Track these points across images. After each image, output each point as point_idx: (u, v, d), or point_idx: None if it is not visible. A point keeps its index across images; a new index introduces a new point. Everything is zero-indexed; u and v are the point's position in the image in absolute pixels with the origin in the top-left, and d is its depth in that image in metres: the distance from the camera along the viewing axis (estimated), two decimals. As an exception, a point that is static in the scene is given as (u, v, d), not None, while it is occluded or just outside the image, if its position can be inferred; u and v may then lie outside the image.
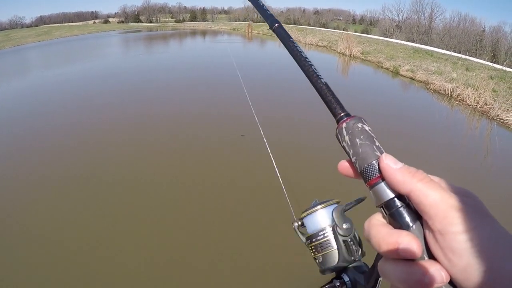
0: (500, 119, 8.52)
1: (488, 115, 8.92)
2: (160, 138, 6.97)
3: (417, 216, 0.44)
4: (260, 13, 0.79)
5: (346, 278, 0.64)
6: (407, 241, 0.42)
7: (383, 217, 0.48)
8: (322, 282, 0.68)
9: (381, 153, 0.49)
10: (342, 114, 0.55)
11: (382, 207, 0.48)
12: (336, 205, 0.66)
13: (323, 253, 0.64)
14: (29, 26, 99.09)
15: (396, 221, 0.46)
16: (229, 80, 11.24)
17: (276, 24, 0.72)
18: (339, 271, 0.65)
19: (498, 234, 0.38)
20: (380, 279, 0.57)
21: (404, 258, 0.42)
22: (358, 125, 0.51)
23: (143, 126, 7.66)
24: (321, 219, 0.66)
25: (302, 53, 0.63)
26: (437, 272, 0.40)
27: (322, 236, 0.65)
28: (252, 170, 5.54)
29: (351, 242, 0.63)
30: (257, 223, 4.29)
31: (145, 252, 3.80)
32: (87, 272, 3.52)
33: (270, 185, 4.67)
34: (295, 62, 0.64)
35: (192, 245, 3.92)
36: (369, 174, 0.48)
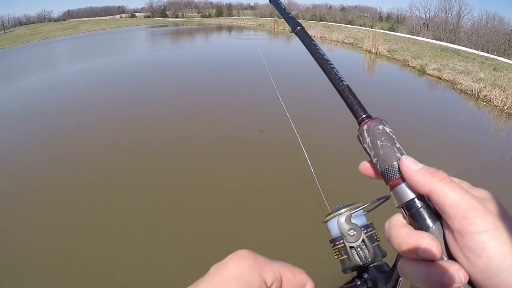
0: (528, 120, 8.41)
1: (516, 116, 8.81)
2: (181, 133, 7.17)
3: (437, 216, 0.46)
4: (282, 16, 0.81)
5: (367, 277, 0.64)
6: (427, 242, 0.43)
7: (404, 217, 0.50)
8: (345, 280, 0.68)
9: (402, 154, 0.50)
10: (364, 116, 0.56)
11: (402, 207, 0.49)
12: (359, 209, 0.66)
13: (342, 258, 0.64)
14: (57, 20, 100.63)
15: (416, 222, 0.47)
16: (259, 77, 11.31)
17: (298, 27, 0.74)
18: (360, 270, 0.65)
19: None
20: (400, 279, 0.56)
21: (424, 259, 0.43)
22: (379, 127, 0.53)
23: (175, 121, 7.88)
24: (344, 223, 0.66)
25: (324, 56, 0.65)
26: (456, 272, 0.40)
27: (342, 241, 0.64)
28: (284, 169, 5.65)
29: (359, 248, 0.63)
30: (288, 219, 4.39)
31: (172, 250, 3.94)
32: (90, 270, 3.62)
33: (302, 182, 4.75)
34: (317, 65, 0.66)
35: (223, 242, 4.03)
36: (389, 175, 0.50)
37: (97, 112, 8.61)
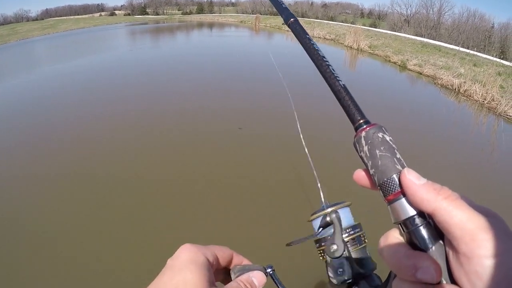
0: (507, 115, 8.48)
1: (495, 111, 8.89)
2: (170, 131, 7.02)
3: (438, 235, 0.42)
4: (274, 7, 0.74)
5: None
6: (427, 265, 0.39)
7: (401, 234, 0.46)
8: None
9: (402, 166, 0.45)
10: (362, 121, 0.50)
11: (400, 224, 0.45)
12: (347, 208, 0.65)
13: (332, 259, 0.62)
14: (35, 19, 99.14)
15: (415, 241, 0.43)
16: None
17: (292, 19, 0.66)
18: (350, 283, 0.62)
19: None
20: None
21: (422, 282, 0.39)
22: (378, 134, 0.48)
23: (161, 120, 7.72)
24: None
25: (319, 52, 0.59)
26: None
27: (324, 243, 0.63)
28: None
29: (340, 266, 0.62)
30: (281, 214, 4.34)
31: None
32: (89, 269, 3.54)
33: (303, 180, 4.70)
34: (311, 61, 0.60)
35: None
36: (388, 189, 0.45)
37: (81, 112, 8.41)
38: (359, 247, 0.62)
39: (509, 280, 0.34)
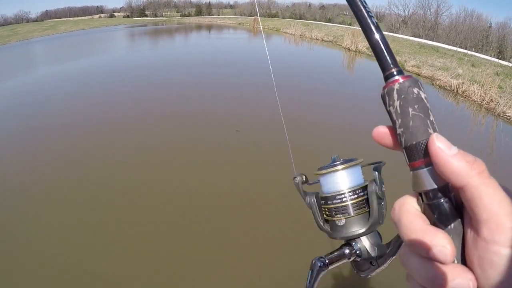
0: (506, 115, 8.47)
1: (494, 111, 8.87)
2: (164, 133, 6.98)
3: (458, 213, 0.40)
4: None
5: (356, 247, 0.59)
6: (442, 244, 0.37)
7: (418, 203, 0.43)
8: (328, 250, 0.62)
9: (434, 130, 0.41)
10: (394, 70, 0.45)
11: (420, 194, 0.42)
12: (358, 166, 0.61)
13: (336, 219, 0.59)
14: (35, 20, 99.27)
15: (433, 214, 0.41)
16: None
17: None
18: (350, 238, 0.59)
19: None
20: (393, 257, 0.53)
21: (434, 260, 0.37)
22: (414, 90, 0.43)
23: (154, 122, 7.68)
24: (341, 180, 0.59)
25: None
26: (466, 282, 0.35)
27: (339, 201, 0.58)
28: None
29: (383, 205, 0.58)
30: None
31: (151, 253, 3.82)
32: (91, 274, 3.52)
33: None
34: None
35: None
36: (415, 154, 0.41)
37: (83, 113, 8.37)
38: (367, 210, 0.58)
39: None
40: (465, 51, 19.76)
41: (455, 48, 19.98)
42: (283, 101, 8.62)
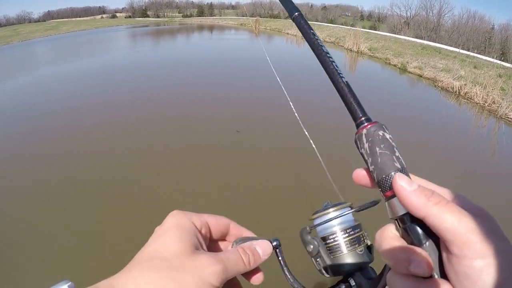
0: (508, 118, 8.45)
1: (496, 113, 8.85)
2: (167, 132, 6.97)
3: (432, 232, 0.42)
4: (279, 0, 0.74)
5: (352, 283, 0.61)
6: (419, 259, 0.41)
7: (396, 229, 0.47)
8: (328, 285, 0.66)
9: (401, 164, 0.46)
10: (363, 118, 0.52)
11: (396, 220, 0.46)
12: (349, 209, 0.64)
13: (331, 258, 0.61)
14: (37, 21, 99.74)
15: (409, 236, 0.45)
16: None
17: (296, 13, 0.67)
18: (346, 275, 0.62)
19: None
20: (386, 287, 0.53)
21: (414, 275, 0.41)
22: (379, 132, 0.49)
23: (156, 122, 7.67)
24: (332, 222, 0.63)
25: (323, 48, 0.59)
26: None
27: (332, 240, 0.62)
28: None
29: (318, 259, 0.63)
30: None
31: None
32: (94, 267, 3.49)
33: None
34: (315, 56, 0.61)
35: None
36: (386, 186, 0.46)
37: (85, 115, 8.38)
38: (359, 247, 0.61)
39: (495, 281, 0.36)
40: (468, 52, 19.75)
41: (457, 50, 20.02)
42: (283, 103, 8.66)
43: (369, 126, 0.50)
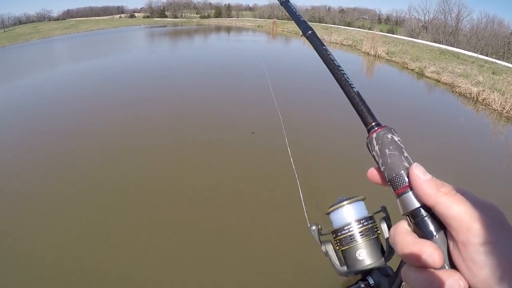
0: (526, 125, 8.38)
1: (514, 120, 8.77)
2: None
3: (441, 225, 0.46)
4: (293, 19, 0.80)
5: (371, 281, 0.66)
6: (430, 250, 0.43)
7: (408, 224, 0.50)
8: (347, 284, 0.71)
9: (409, 163, 0.50)
10: (373, 123, 0.56)
11: (408, 215, 0.49)
12: (362, 202, 0.71)
13: (346, 247, 0.67)
14: (57, 19, 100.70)
15: (420, 230, 0.47)
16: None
17: (310, 31, 0.73)
18: (365, 273, 0.66)
19: None
20: (403, 283, 0.58)
21: (426, 267, 0.44)
22: (388, 135, 0.53)
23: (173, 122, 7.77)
24: (347, 214, 0.69)
25: (335, 61, 0.65)
26: (456, 282, 0.41)
27: (347, 231, 0.67)
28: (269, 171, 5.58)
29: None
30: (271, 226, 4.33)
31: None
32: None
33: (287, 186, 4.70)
34: (328, 70, 0.66)
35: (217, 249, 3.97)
36: (397, 184, 0.50)
37: (95, 113, 8.50)
38: (372, 237, 0.67)
39: (501, 264, 0.38)
40: (486, 57, 19.60)
41: (475, 55, 19.85)
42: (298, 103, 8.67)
43: (378, 130, 0.54)
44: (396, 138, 0.53)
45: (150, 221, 4.32)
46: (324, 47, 0.67)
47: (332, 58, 0.65)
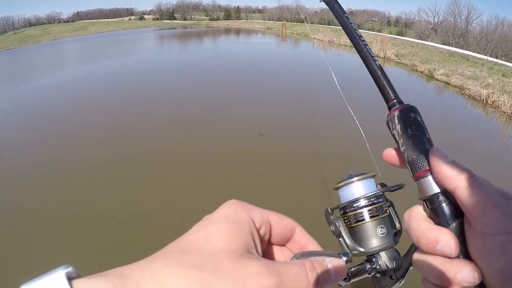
0: (536, 127, 8.37)
1: (524, 123, 8.76)
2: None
3: (459, 214, 0.44)
4: None
5: (377, 263, 0.61)
6: (447, 239, 0.42)
7: (424, 210, 0.48)
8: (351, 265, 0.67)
9: (431, 146, 0.49)
10: (395, 100, 0.54)
11: (425, 200, 0.48)
12: (372, 179, 0.65)
13: (353, 225, 0.62)
14: (66, 21, 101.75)
15: (437, 216, 0.46)
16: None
17: None
18: (371, 254, 0.62)
19: None
20: (410, 268, 0.55)
21: (441, 255, 0.43)
22: (410, 114, 0.51)
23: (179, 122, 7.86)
24: (356, 190, 0.64)
25: (357, 31, 0.61)
26: (471, 272, 0.40)
27: (356, 207, 0.62)
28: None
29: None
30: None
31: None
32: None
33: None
34: (349, 40, 0.62)
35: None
36: (416, 166, 0.48)
37: (105, 114, 8.59)
38: (381, 216, 0.62)
39: None
40: (496, 60, 19.52)
41: (485, 57, 19.81)
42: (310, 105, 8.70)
43: (401, 107, 0.52)
44: (419, 118, 0.52)
45: (154, 230, 4.37)
46: (345, 15, 0.63)
47: (354, 28, 0.61)
